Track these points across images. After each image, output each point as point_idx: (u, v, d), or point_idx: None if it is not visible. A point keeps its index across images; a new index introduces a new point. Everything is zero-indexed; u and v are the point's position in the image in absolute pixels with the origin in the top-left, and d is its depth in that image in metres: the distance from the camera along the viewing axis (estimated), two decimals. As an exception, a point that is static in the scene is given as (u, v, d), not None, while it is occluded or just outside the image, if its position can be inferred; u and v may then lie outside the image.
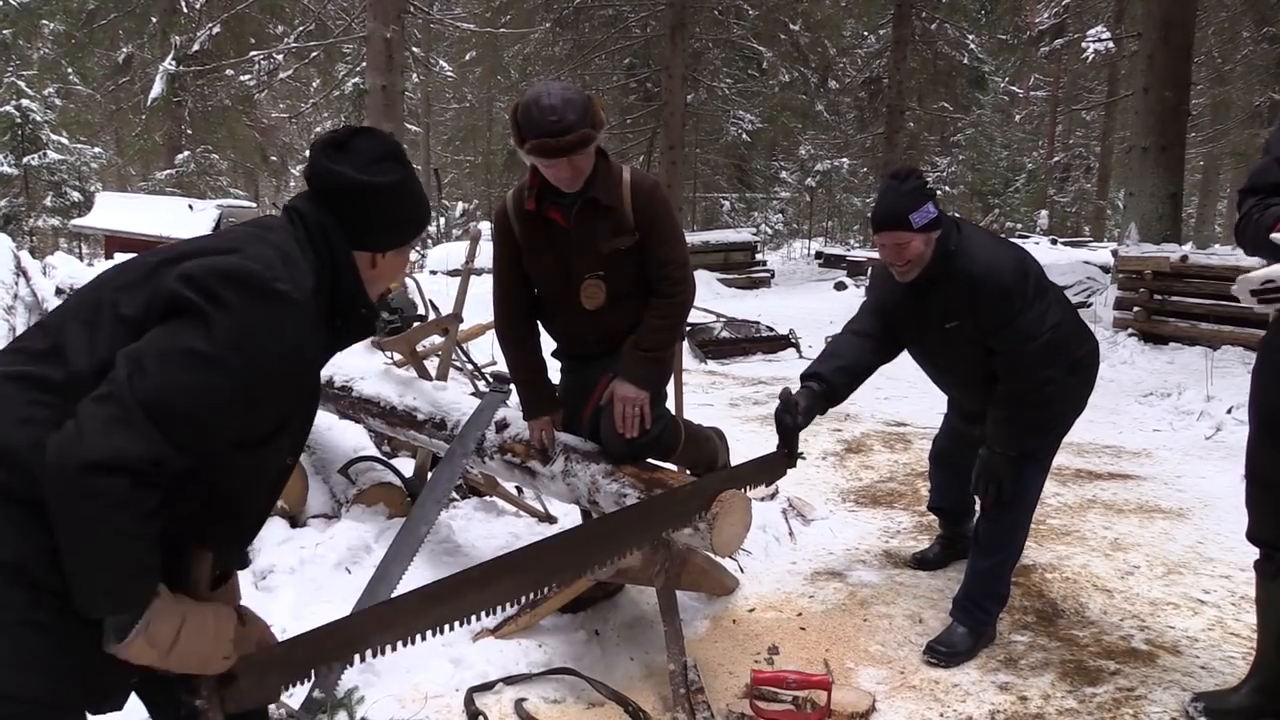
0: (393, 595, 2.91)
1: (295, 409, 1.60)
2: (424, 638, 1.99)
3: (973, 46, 22.85)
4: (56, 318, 1.50)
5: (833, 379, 3.11)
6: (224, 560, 1.64)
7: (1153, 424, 6.66)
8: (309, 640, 1.79)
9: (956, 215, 3.21)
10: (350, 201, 1.63)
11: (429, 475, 3.73)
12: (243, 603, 1.72)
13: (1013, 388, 2.92)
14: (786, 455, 3.05)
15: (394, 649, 1.93)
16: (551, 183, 2.81)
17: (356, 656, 1.85)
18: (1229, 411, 6.32)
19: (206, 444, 1.40)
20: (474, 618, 2.14)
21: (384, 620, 1.94)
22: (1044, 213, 30.11)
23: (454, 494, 3.87)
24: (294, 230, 1.60)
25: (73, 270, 7.92)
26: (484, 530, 3.79)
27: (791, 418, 3.01)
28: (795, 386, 3.11)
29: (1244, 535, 2.57)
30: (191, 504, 1.45)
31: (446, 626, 2.04)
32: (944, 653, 3.03)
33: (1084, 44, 16.33)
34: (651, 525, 2.61)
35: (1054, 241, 23.31)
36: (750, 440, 5.61)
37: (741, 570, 3.63)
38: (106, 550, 1.29)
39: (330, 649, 1.83)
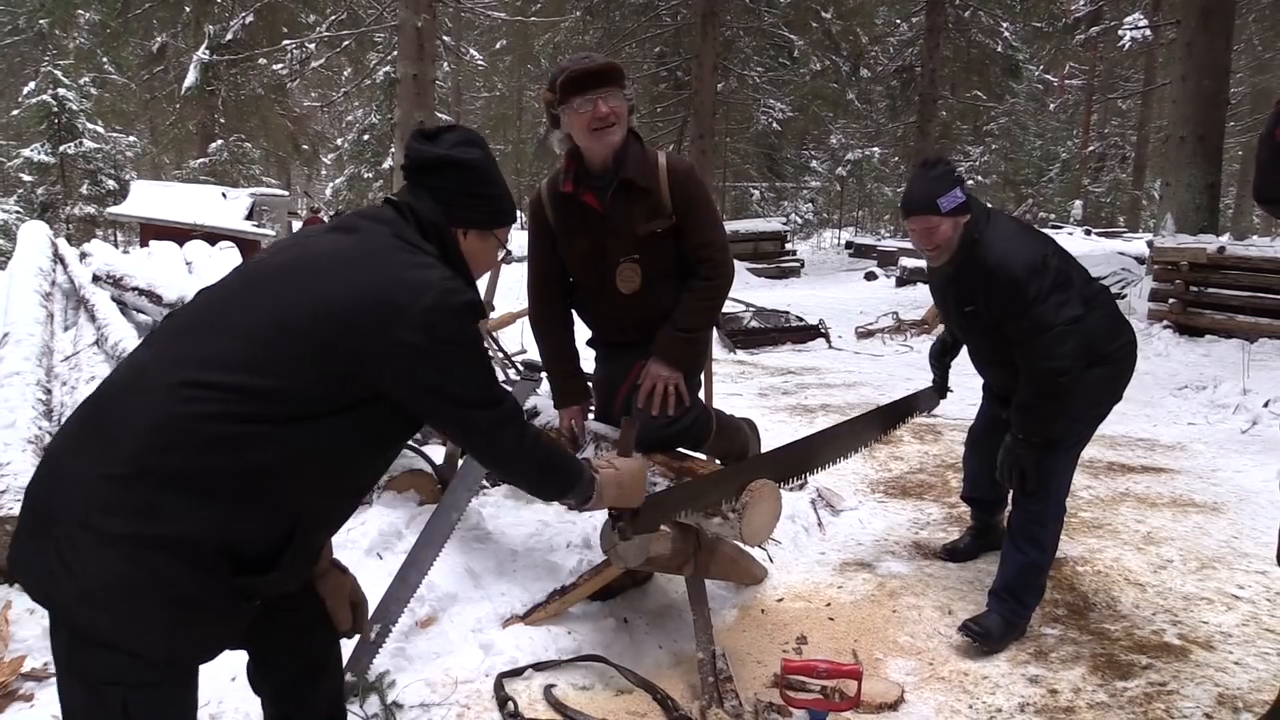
0: (423, 582, 2.95)
1: None
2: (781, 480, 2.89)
3: (1007, 34, 22.62)
4: (237, 322, 1.65)
5: (947, 339, 3.59)
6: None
7: (1187, 417, 6.57)
8: (675, 493, 2.75)
9: (989, 205, 3.22)
10: (435, 173, 1.88)
11: (459, 463, 3.76)
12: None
13: (1030, 377, 2.94)
14: (939, 388, 3.63)
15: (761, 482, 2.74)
16: (585, 153, 2.83)
17: (708, 506, 2.75)
18: (1266, 405, 6.23)
19: None
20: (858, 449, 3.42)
21: (731, 473, 2.81)
22: (1078, 203, 29.78)
23: (484, 481, 3.89)
24: (407, 226, 1.82)
25: (109, 258, 8.00)
26: (514, 518, 3.81)
27: (944, 355, 3.57)
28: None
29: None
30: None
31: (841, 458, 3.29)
32: (978, 631, 3.01)
33: (1121, 31, 16.11)
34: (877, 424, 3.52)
35: (1088, 232, 23.05)
36: (780, 430, 5.61)
37: (770, 560, 3.63)
38: (563, 479, 2.04)
39: (690, 497, 2.74)
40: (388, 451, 1.88)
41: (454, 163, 1.87)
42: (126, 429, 1.53)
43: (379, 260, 1.71)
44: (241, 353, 1.59)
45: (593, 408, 3.29)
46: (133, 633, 1.50)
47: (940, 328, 3.70)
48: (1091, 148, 32.38)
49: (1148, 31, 15.82)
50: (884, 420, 3.58)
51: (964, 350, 3.49)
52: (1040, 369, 2.89)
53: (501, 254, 2.05)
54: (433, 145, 1.89)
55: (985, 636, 3.02)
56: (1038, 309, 2.85)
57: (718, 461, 3.23)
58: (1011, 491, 3.15)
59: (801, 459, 3.17)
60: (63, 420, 4.23)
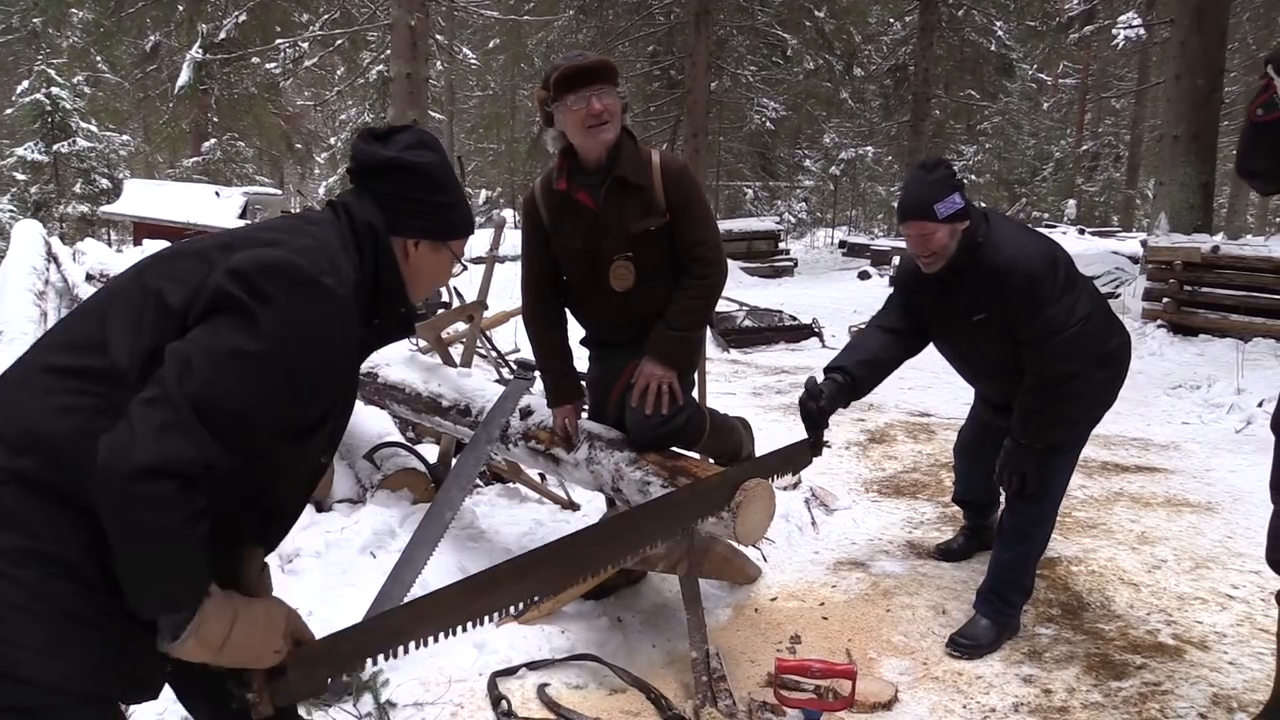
0: (417, 580, 2.94)
1: (335, 405, 1.61)
2: (464, 629, 2.01)
3: (1000, 33, 22.63)
4: (97, 305, 1.49)
5: (856, 372, 3.09)
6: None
7: (1181, 416, 6.58)
8: (354, 634, 1.81)
9: (986, 206, 3.19)
10: (383, 178, 1.68)
11: (453, 461, 3.75)
12: (275, 594, 1.71)
13: (1040, 380, 2.89)
14: (812, 445, 3.02)
15: (435, 640, 1.94)
16: (579, 150, 2.83)
17: (400, 649, 1.87)
18: (1260, 405, 6.24)
19: (253, 442, 1.41)
20: (511, 609, 2.18)
21: (424, 614, 1.94)
22: (1072, 202, 29.82)
23: (478, 480, 3.88)
24: (338, 224, 1.63)
25: (102, 256, 8.00)
26: (507, 516, 3.81)
27: (816, 405, 2.98)
28: (820, 377, 3.09)
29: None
30: (230, 501, 1.46)
31: (486, 619, 2.07)
32: (966, 645, 3.02)
33: (1115, 30, 16.13)
34: (679, 516, 2.63)
35: (1082, 231, 23.09)
36: (773, 429, 5.61)
37: (764, 559, 3.63)
38: (157, 552, 1.31)
39: (374, 642, 1.84)
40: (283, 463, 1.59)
41: (404, 166, 1.68)
42: None
43: (238, 230, 1.60)
44: (85, 331, 1.44)
45: (586, 406, 3.29)
46: (16, 658, 1.32)
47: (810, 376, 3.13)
48: (1085, 147, 32.45)
49: (1141, 30, 15.84)
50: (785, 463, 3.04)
51: (935, 362, 3.42)
52: (1053, 372, 2.86)
53: (457, 269, 1.83)
54: (381, 146, 1.71)
55: (974, 648, 3.02)
56: (1051, 309, 2.82)
57: (711, 461, 3.23)
58: (1006, 493, 3.14)
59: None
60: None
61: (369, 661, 1.82)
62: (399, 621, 1.93)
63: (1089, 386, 2.94)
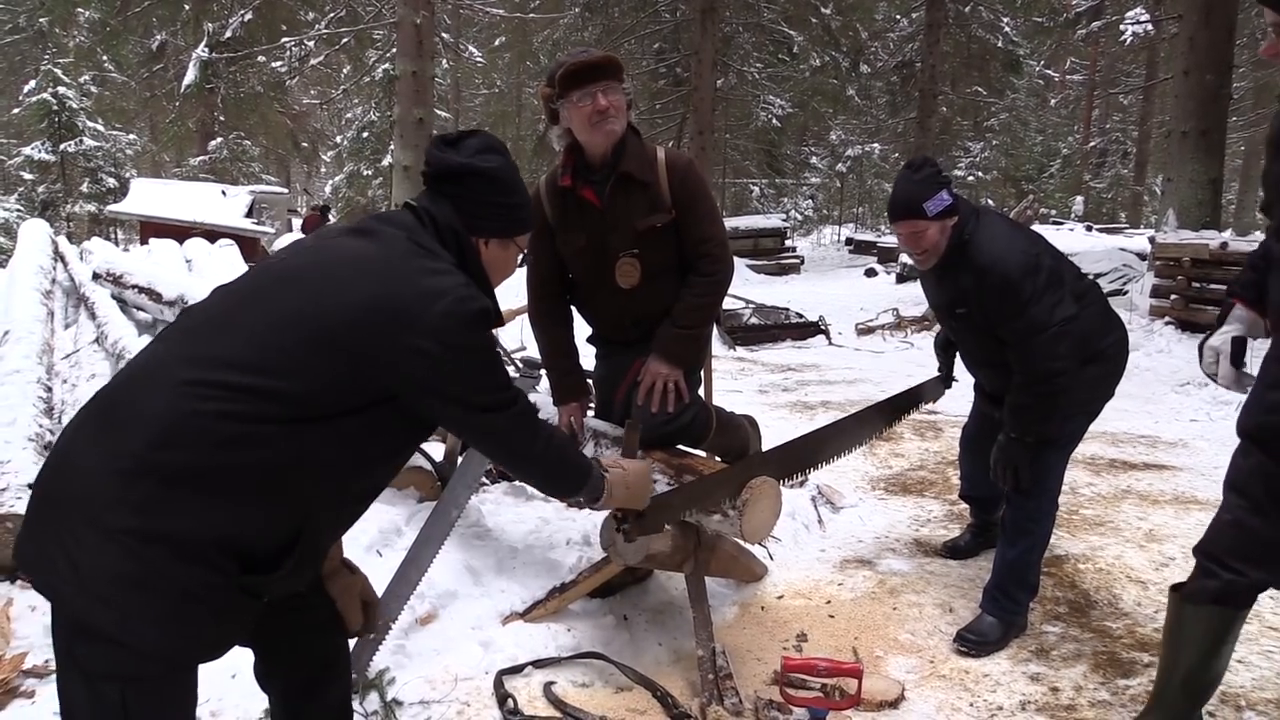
0: (423, 579, 2.95)
1: None
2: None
3: (1007, 29, 22.58)
4: (262, 327, 1.64)
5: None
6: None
7: (1190, 414, 6.56)
8: (678, 494, 2.71)
9: (983, 203, 3.22)
10: (455, 181, 1.88)
11: (459, 460, 3.75)
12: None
13: (1025, 378, 2.91)
14: (944, 378, 3.63)
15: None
16: (584, 147, 2.82)
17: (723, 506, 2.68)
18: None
19: None
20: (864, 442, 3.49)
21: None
22: (1079, 199, 29.71)
23: (484, 478, 3.88)
24: (425, 231, 1.82)
25: (109, 255, 8.00)
26: (513, 515, 3.81)
27: (949, 345, 3.52)
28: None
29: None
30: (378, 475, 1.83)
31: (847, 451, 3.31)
32: (973, 641, 3.02)
33: (1122, 26, 16.09)
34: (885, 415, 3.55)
35: (1089, 228, 22.98)
36: (780, 427, 5.60)
37: (770, 557, 3.62)
38: (572, 479, 2.08)
39: (689, 499, 2.72)
40: (397, 455, 1.88)
41: (474, 171, 1.87)
42: (135, 425, 1.53)
43: (395, 265, 1.71)
44: (253, 353, 1.60)
45: (592, 405, 3.28)
46: (132, 627, 1.50)
47: None
48: (1093, 143, 32.33)
49: (1149, 26, 15.79)
50: (889, 412, 3.58)
51: None
52: (1036, 370, 2.87)
53: (520, 258, 2.04)
54: (453, 153, 1.89)
55: (981, 645, 3.01)
56: (1032, 310, 2.82)
57: (717, 459, 3.23)
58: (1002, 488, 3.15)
59: (808, 454, 3.16)
60: (63, 418, 4.23)
61: (686, 513, 2.75)
62: (719, 480, 2.71)
63: (1075, 384, 2.93)
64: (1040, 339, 2.83)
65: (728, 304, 10.18)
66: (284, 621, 1.81)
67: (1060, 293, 2.89)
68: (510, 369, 4.88)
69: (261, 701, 2.23)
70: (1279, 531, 2.12)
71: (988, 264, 2.87)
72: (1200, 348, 2.37)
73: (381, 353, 1.64)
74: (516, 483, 4.20)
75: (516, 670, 2.78)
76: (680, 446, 3.07)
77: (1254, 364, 2.27)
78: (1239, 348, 2.28)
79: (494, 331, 1.88)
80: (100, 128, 24.04)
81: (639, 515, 2.52)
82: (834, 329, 11.09)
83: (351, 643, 2.14)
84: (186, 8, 22.59)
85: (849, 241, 25.84)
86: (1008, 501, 3.14)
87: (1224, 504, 2.26)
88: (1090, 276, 3.21)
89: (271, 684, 2.00)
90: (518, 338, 6.74)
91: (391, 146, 16.10)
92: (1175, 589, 2.34)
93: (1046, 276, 2.87)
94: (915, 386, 3.68)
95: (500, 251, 1.94)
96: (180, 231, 14.04)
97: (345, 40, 18.33)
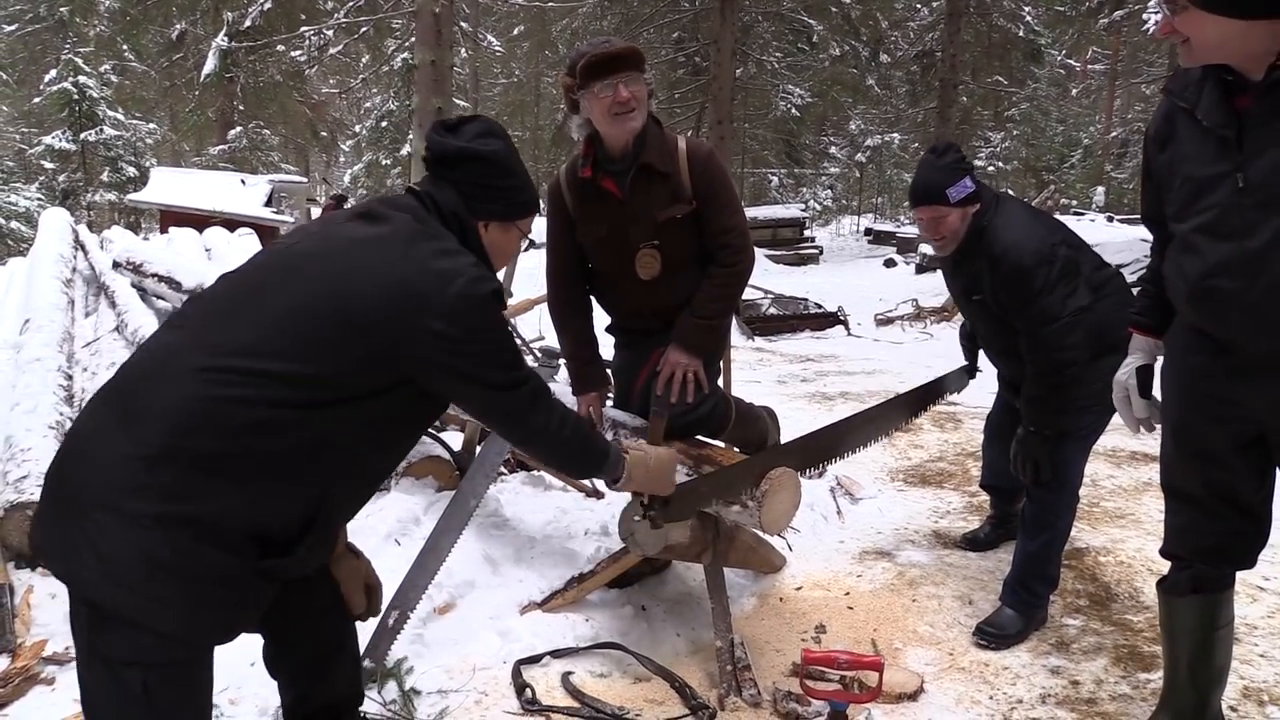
0: (441, 568, 2.95)
1: None
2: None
3: (1029, 18, 22.38)
4: (279, 312, 1.66)
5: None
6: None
7: (1212, 406, 6.48)
8: (703, 482, 2.72)
9: (1004, 191, 3.20)
10: (455, 165, 1.90)
11: (477, 449, 3.76)
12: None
13: (1036, 369, 2.90)
14: (968, 368, 3.61)
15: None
16: (605, 138, 2.80)
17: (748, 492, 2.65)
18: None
19: None
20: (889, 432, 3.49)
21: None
22: (1100, 189, 29.45)
23: (502, 468, 3.89)
24: (429, 215, 1.84)
25: (129, 244, 8.06)
26: (531, 504, 3.81)
27: (974, 335, 3.44)
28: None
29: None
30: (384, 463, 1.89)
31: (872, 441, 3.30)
32: (992, 634, 3.00)
33: (1145, 15, 15.90)
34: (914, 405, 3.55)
35: (1110, 219, 22.83)
36: (798, 417, 5.58)
37: (789, 548, 3.61)
38: (589, 458, 2.14)
39: (715, 489, 2.70)
40: (413, 435, 1.92)
41: (474, 155, 1.90)
42: (155, 412, 1.55)
43: (406, 249, 1.73)
44: (269, 339, 1.61)
45: (611, 395, 3.28)
46: (155, 612, 1.53)
47: None
48: (1114, 133, 32.00)
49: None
50: (913, 403, 3.56)
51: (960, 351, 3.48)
52: (1047, 361, 2.85)
53: (524, 244, 2.06)
54: (453, 137, 1.91)
55: (1000, 638, 2.99)
56: (1044, 300, 2.80)
57: (736, 449, 3.22)
58: (1023, 482, 3.13)
59: (830, 445, 3.16)
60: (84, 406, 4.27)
61: (714, 502, 2.71)
62: (747, 470, 2.71)
63: (1090, 375, 2.90)
64: (1051, 329, 2.81)
65: (746, 294, 10.15)
66: (291, 605, 1.83)
67: (1074, 283, 2.87)
68: (529, 358, 4.89)
69: (280, 689, 2.25)
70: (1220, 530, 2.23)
71: (1001, 252, 2.86)
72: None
73: (397, 335, 1.66)
74: (535, 472, 4.20)
75: (534, 660, 2.79)
76: (699, 437, 3.06)
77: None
78: (1144, 378, 2.27)
79: (514, 320, 1.90)
80: (120, 117, 24.18)
81: (665, 502, 2.52)
82: (853, 319, 11.05)
83: (367, 631, 2.16)
84: (206, -3, 22.68)
85: (868, 232, 25.74)
86: (1028, 495, 3.12)
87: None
88: (1112, 267, 3.18)
89: (280, 667, 2.04)
90: (536, 327, 6.74)
91: (410, 136, 16.15)
92: (1159, 585, 2.36)
93: (1061, 266, 2.85)
94: (939, 378, 3.65)
95: (501, 235, 1.97)
96: (200, 220, 14.12)
97: (364, 29, 18.34)
